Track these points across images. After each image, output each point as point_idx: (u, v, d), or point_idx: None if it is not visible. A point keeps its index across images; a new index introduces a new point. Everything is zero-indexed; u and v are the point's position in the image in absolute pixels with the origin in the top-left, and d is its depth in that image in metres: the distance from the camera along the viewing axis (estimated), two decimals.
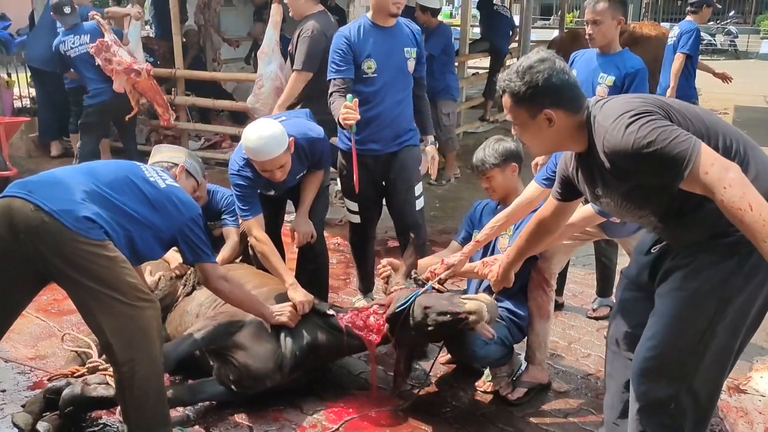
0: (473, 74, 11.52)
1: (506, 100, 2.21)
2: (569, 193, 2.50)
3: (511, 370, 3.39)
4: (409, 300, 2.97)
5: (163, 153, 3.47)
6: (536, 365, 3.36)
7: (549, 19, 25.61)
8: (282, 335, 3.17)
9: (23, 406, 2.97)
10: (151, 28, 15.45)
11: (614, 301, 2.69)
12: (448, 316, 2.86)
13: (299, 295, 3.24)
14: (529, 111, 2.17)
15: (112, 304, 2.48)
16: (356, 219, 4.11)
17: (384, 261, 3.37)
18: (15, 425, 2.82)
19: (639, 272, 2.46)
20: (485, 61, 12.92)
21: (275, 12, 6.48)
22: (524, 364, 3.43)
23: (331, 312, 3.21)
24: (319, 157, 3.68)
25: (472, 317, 2.82)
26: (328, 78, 3.83)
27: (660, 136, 1.95)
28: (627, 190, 2.17)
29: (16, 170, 6.77)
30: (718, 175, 1.89)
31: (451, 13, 29.18)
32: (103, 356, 2.90)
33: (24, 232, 2.41)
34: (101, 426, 3.04)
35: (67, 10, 6.41)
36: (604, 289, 4.25)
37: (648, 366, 2.26)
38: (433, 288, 3.04)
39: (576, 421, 3.15)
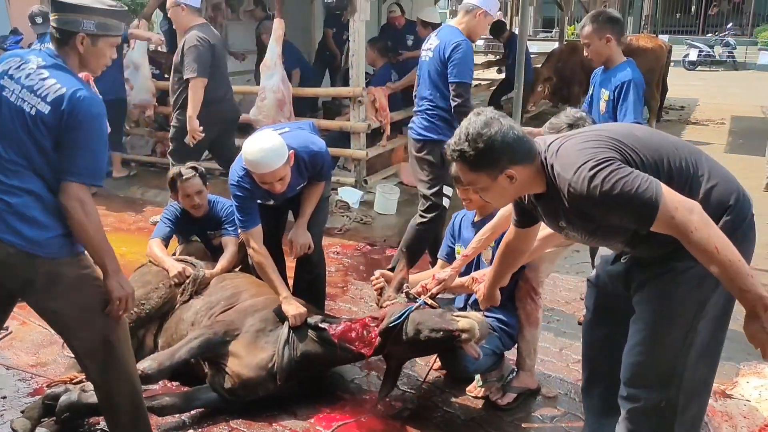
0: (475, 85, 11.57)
1: (461, 168, 2.23)
2: (528, 220, 2.56)
3: (501, 375, 3.44)
4: (402, 315, 3.02)
5: None
6: (526, 371, 3.42)
7: (551, 32, 25.72)
8: (276, 346, 3.23)
9: (22, 412, 3.05)
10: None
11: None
12: (441, 333, 2.91)
13: (292, 308, 3.29)
14: (489, 175, 2.18)
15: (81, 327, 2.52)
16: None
17: (377, 272, 3.40)
18: (14, 430, 2.89)
19: (611, 281, 2.51)
20: (486, 74, 13.10)
21: (277, 26, 6.62)
22: (514, 370, 3.49)
23: (323, 326, 3.23)
24: (320, 169, 3.73)
25: (464, 335, 2.87)
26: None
27: (624, 187, 1.99)
28: (593, 229, 2.24)
29: None
30: (684, 219, 1.97)
31: None
32: None
33: None
34: None
35: (38, 20, 6.72)
36: None
37: (636, 372, 2.33)
38: (426, 303, 3.09)
39: (564, 425, 3.21)
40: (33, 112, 2.34)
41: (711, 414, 3.21)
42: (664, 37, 14.39)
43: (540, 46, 17.85)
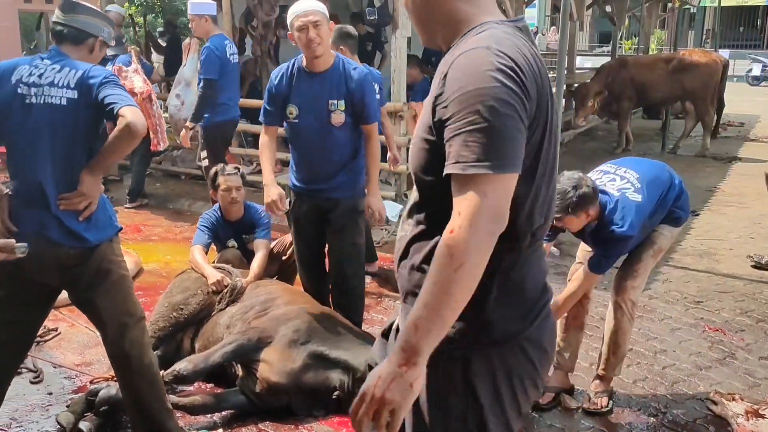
0: None
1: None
2: None
3: None
4: None
5: None
6: (564, 371, 3.53)
7: (608, 46, 25.48)
8: (310, 360, 3.33)
9: (67, 406, 3.23)
10: None
11: None
12: None
13: (271, 193, 3.59)
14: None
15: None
16: None
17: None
18: (59, 424, 3.07)
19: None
20: None
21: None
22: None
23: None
24: (362, 98, 3.67)
25: None
26: None
27: None
28: None
29: None
30: None
31: None
32: None
33: None
34: None
35: (112, 43, 6.96)
36: None
37: None
38: None
39: None
40: (64, 102, 2.56)
41: None
42: (725, 52, 14.16)
43: (594, 62, 17.71)
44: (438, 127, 1.44)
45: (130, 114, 2.52)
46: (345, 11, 9.88)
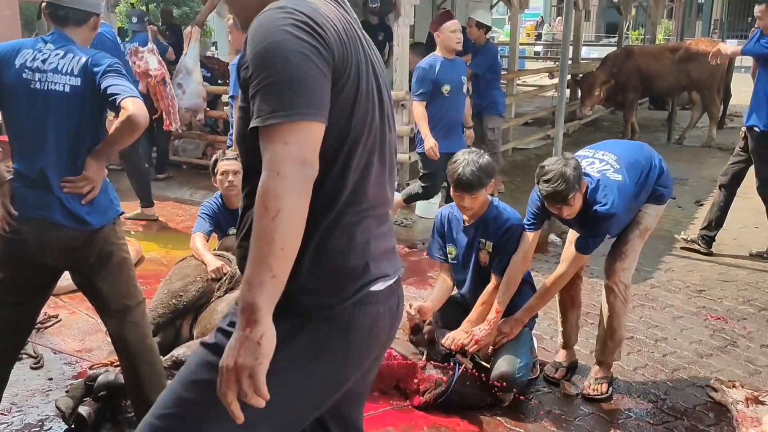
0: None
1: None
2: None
3: (534, 356, 3.65)
4: (449, 388, 3.22)
5: None
6: (571, 349, 3.72)
7: (615, 37, 25.36)
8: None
9: (67, 391, 3.23)
10: (216, 48, 16.12)
11: None
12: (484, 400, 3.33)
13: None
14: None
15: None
16: None
17: (415, 306, 3.45)
18: (58, 408, 3.07)
19: None
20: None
21: None
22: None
23: None
24: None
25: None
26: None
27: None
28: None
29: None
30: None
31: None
32: None
33: None
34: None
35: (134, 19, 7.57)
36: None
37: None
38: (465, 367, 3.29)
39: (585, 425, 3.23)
40: (67, 89, 2.56)
41: (741, 419, 3.17)
42: (732, 42, 14.02)
43: (600, 52, 17.63)
44: (244, 89, 1.44)
45: (132, 106, 2.53)
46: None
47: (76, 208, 2.61)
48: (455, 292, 3.74)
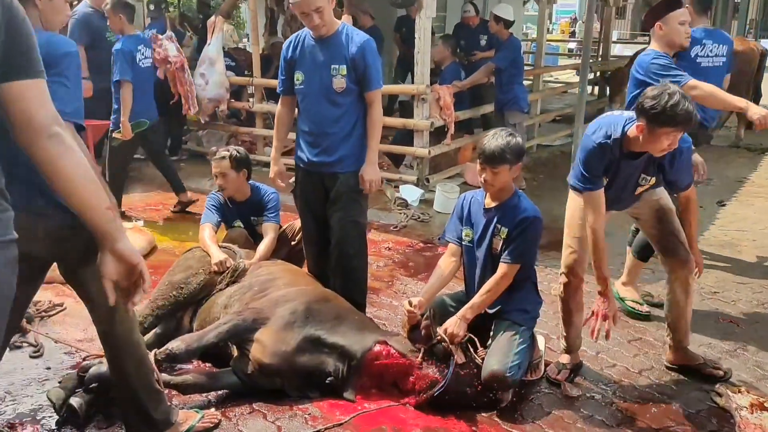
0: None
1: None
2: None
3: (539, 354, 3.64)
4: (445, 382, 3.20)
5: None
6: (575, 352, 3.69)
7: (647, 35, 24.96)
8: (305, 343, 3.28)
9: (59, 382, 3.23)
10: (247, 40, 16.19)
11: None
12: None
13: (273, 170, 3.94)
14: None
15: None
16: None
17: (414, 302, 3.38)
18: (49, 399, 3.08)
19: None
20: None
21: (346, 21, 6.76)
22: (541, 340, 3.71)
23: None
24: (363, 58, 3.64)
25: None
26: None
27: None
28: None
29: (100, 168, 7.31)
30: None
31: (548, 29, 28.81)
32: None
33: None
34: None
35: (151, 6, 7.95)
36: None
37: None
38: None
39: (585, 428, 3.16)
40: None
41: (743, 426, 3.08)
42: (767, 42, 13.65)
43: (634, 50, 17.31)
44: None
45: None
46: None
47: (60, 198, 2.58)
48: (460, 290, 3.71)
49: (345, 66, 3.64)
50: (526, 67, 8.73)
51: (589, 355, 3.79)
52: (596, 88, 12.53)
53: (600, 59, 12.26)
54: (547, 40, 21.80)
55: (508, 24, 7.17)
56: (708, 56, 4.71)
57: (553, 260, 5.30)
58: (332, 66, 3.65)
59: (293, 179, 3.99)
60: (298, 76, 3.76)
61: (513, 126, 7.13)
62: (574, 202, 3.51)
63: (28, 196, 2.57)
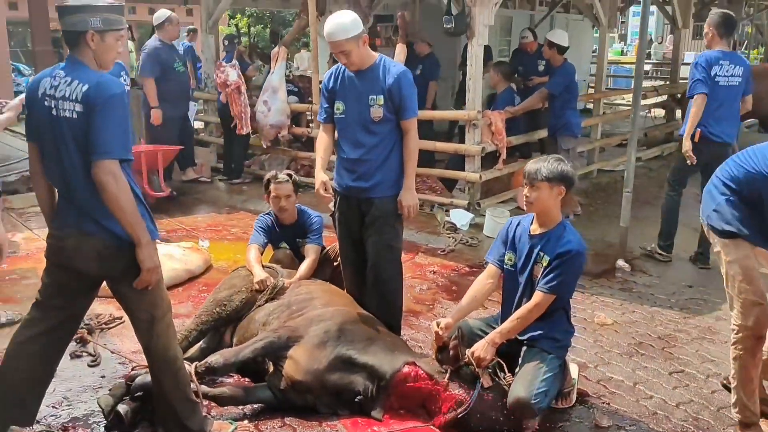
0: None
1: None
2: None
3: (571, 381, 3.62)
4: (470, 404, 3.25)
5: None
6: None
7: None
8: (336, 362, 3.40)
9: (110, 390, 3.45)
10: None
11: None
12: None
13: (318, 179, 3.94)
14: None
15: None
16: None
17: (442, 323, 3.44)
18: (99, 405, 3.30)
19: None
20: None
21: (399, 51, 6.96)
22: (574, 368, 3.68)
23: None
24: (399, 92, 3.78)
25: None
26: None
27: None
28: None
29: (169, 190, 7.70)
30: None
31: (622, 51, 28.43)
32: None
33: None
34: None
35: (225, 42, 8.95)
36: None
37: None
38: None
39: None
40: (75, 116, 2.72)
41: None
42: None
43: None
44: None
45: (101, 171, 2.69)
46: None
47: (109, 224, 2.79)
48: (492, 313, 3.74)
49: (382, 96, 3.80)
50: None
51: (626, 386, 3.77)
52: (663, 111, 12.29)
53: (669, 81, 12.03)
54: (621, 63, 21.55)
55: (562, 50, 7.18)
56: (725, 75, 5.38)
57: (601, 288, 5.29)
58: (370, 96, 3.82)
59: (332, 203, 4.13)
60: (339, 106, 3.94)
61: (566, 151, 7.14)
62: (738, 250, 3.22)
63: (79, 219, 2.82)
